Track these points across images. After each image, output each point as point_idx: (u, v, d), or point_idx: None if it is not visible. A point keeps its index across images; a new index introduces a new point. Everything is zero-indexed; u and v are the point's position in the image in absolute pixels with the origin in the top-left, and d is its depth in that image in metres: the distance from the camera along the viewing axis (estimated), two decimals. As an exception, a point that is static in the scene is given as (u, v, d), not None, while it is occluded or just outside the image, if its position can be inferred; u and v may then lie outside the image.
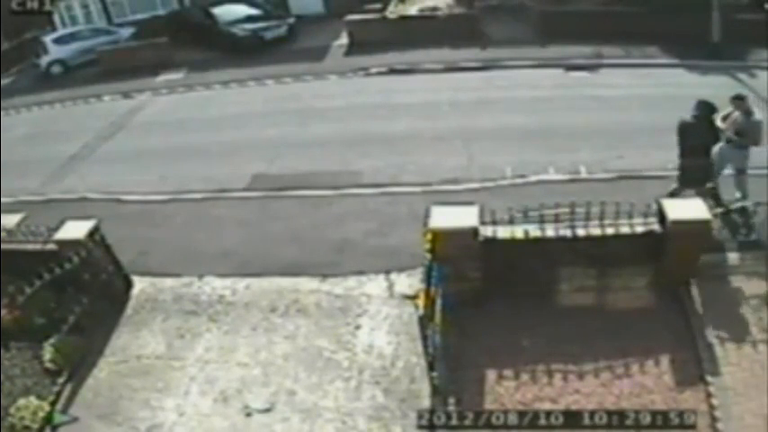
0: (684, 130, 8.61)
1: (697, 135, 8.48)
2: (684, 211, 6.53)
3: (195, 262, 8.91)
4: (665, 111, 12.50)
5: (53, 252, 7.61)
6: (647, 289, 6.91)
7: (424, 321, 6.01)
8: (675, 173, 9.39)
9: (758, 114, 8.34)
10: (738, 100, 8.36)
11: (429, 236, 6.46)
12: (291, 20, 20.78)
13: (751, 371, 6.01)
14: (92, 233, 7.73)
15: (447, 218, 6.71)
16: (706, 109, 8.54)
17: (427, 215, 6.69)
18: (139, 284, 8.52)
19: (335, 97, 15.33)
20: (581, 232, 6.67)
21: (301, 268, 8.45)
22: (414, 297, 7.26)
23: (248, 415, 6.44)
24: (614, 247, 6.66)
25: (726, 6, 15.56)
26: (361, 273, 8.21)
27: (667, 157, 10.34)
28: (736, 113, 8.31)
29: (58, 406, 6.80)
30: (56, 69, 20.64)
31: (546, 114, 12.68)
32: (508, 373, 6.32)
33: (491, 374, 6.34)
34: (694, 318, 6.63)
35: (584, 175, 10.23)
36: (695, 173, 8.57)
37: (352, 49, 18.61)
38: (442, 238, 6.46)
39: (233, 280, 8.40)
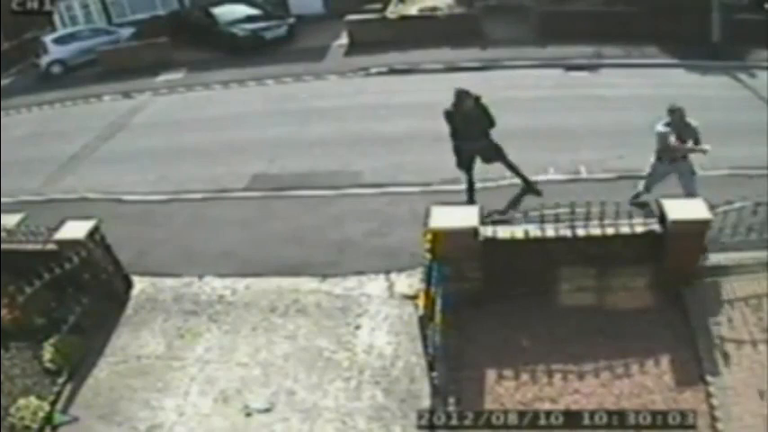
0: (448, 118, 9.25)
1: (460, 121, 9.06)
2: (684, 211, 6.53)
3: (195, 262, 8.91)
4: (665, 111, 12.56)
5: (53, 252, 7.60)
6: (647, 289, 6.91)
7: (424, 321, 6.00)
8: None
9: (659, 127, 8.27)
10: (673, 113, 8.29)
11: (429, 236, 6.46)
12: (291, 20, 20.78)
13: (751, 371, 6.01)
14: (92, 233, 7.72)
15: (447, 218, 6.70)
16: (463, 97, 9.03)
17: (427, 215, 6.69)
18: (139, 284, 8.52)
19: (335, 97, 15.33)
20: (581, 232, 6.67)
21: (301, 268, 8.45)
22: (414, 297, 7.26)
23: (248, 415, 6.44)
24: (614, 246, 6.66)
25: (726, 6, 15.56)
26: (361, 273, 8.21)
27: (667, 157, 10.36)
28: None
29: (58, 406, 6.79)
30: (56, 69, 20.64)
31: (546, 114, 12.67)
32: (508, 373, 6.32)
33: (491, 374, 6.34)
34: (694, 318, 6.63)
35: (584, 175, 10.24)
36: (463, 156, 9.31)
37: (352, 49, 18.62)
38: (442, 238, 6.46)
39: (233, 280, 8.40)
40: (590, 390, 6.09)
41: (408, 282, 7.81)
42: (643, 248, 6.70)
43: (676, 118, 8.28)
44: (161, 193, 11.20)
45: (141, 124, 15.44)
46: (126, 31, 21.97)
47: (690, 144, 8.35)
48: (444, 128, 9.58)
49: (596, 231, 6.66)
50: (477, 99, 9.12)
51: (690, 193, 8.21)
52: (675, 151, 8.28)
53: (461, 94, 9.09)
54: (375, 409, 6.30)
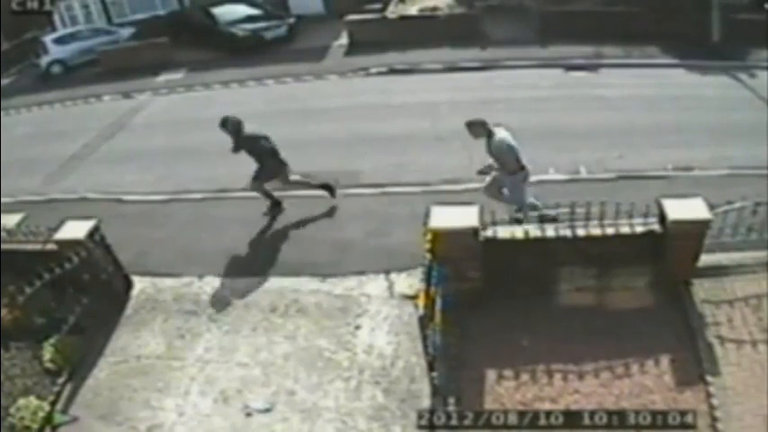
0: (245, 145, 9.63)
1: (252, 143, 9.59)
2: (684, 211, 6.52)
3: (195, 262, 8.91)
4: (665, 111, 12.59)
5: (53, 252, 7.60)
6: (647, 289, 6.91)
7: (424, 321, 6.00)
8: (675, 173, 9.44)
9: (499, 137, 7.99)
10: (472, 126, 8.01)
11: (429, 236, 6.47)
12: (291, 20, 20.80)
13: (751, 371, 6.01)
14: (92, 233, 7.72)
15: (447, 218, 6.70)
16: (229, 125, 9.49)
17: (427, 215, 6.69)
18: (139, 284, 8.51)
19: (335, 97, 15.33)
20: (581, 232, 6.67)
21: (301, 268, 8.45)
22: (414, 297, 7.25)
23: (248, 415, 6.44)
24: (614, 246, 6.66)
25: (726, 6, 15.58)
26: (361, 273, 8.21)
27: (667, 157, 10.38)
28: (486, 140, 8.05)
29: (58, 406, 6.79)
30: (56, 69, 20.66)
31: (546, 114, 12.67)
32: (508, 373, 6.31)
33: (491, 374, 6.34)
34: (694, 318, 6.62)
35: (584, 175, 10.24)
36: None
37: (352, 49, 18.63)
38: (442, 238, 6.46)
39: (233, 280, 8.40)
40: (590, 390, 6.09)
41: (408, 282, 7.81)
42: (643, 248, 6.70)
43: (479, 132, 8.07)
44: (161, 193, 11.19)
45: (141, 124, 15.44)
46: (126, 31, 21.98)
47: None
48: (444, 128, 9.60)
49: (596, 231, 6.65)
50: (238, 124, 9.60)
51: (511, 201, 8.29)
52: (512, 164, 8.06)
53: (227, 123, 9.65)
54: (375, 409, 6.30)
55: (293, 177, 9.91)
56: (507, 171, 8.14)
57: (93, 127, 15.14)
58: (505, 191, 8.44)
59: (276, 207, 10.03)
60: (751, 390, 5.83)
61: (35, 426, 6.44)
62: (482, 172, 8.52)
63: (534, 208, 8.17)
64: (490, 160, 8.27)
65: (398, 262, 8.20)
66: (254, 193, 10.21)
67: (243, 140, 9.57)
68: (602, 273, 6.86)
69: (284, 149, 12.36)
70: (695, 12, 15.61)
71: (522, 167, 8.14)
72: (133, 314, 8.04)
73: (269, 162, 9.69)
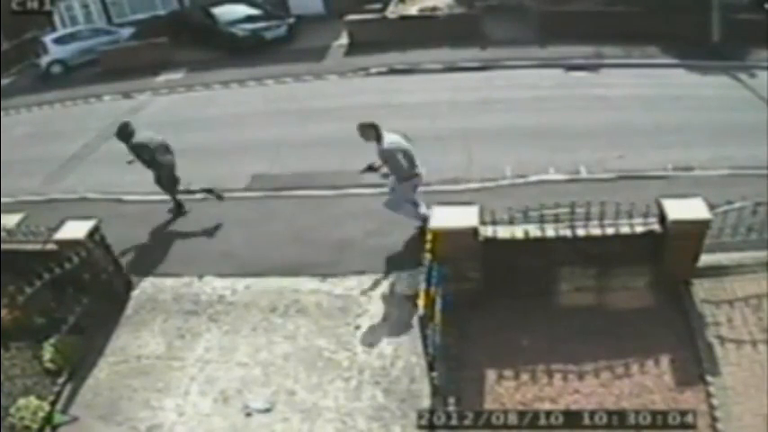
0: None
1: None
2: (684, 211, 6.52)
3: (195, 262, 8.91)
4: (665, 111, 12.59)
5: (53, 252, 7.60)
6: (647, 289, 6.91)
7: (424, 321, 6.00)
8: (675, 173, 9.42)
9: (388, 141, 7.98)
10: (364, 128, 8.01)
11: (429, 236, 6.47)
12: (291, 20, 20.78)
13: (751, 371, 6.01)
14: (92, 233, 7.72)
15: (447, 218, 6.70)
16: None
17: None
18: (139, 284, 8.52)
19: (335, 97, 15.33)
20: (581, 232, 6.66)
21: (301, 268, 8.45)
22: (414, 297, 7.25)
23: (248, 415, 6.44)
24: (614, 246, 6.66)
25: (726, 6, 15.58)
26: (361, 273, 8.21)
27: (667, 157, 10.38)
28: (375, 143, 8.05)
29: (58, 406, 6.80)
30: (56, 69, 20.65)
31: (546, 114, 12.68)
32: (508, 373, 6.32)
33: (491, 374, 6.34)
34: (694, 317, 6.63)
35: (584, 175, 10.23)
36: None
37: (352, 49, 18.62)
38: (442, 238, 6.46)
39: (233, 280, 8.40)
40: (590, 390, 6.09)
41: (408, 282, 7.81)
42: (643, 248, 6.69)
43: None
44: (161, 193, 11.18)
45: (141, 124, 15.30)
46: (126, 31, 21.97)
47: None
48: (444, 128, 9.60)
49: (596, 231, 6.65)
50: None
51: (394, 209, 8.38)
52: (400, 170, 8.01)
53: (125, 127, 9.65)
54: (375, 409, 6.30)
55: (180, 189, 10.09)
56: (398, 177, 8.12)
57: (93, 127, 15.12)
58: (393, 196, 8.40)
59: (179, 209, 10.20)
60: (751, 390, 5.83)
61: (35, 426, 6.44)
62: (364, 171, 8.49)
63: (424, 220, 7.90)
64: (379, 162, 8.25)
65: (398, 262, 8.19)
66: (253, 193, 10.24)
67: (132, 147, 9.63)
68: (602, 273, 6.86)
69: (284, 149, 12.46)
70: (695, 12, 15.60)
71: (416, 174, 8.12)
72: (133, 314, 8.04)
73: (162, 173, 9.75)
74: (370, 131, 7.97)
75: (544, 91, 14.09)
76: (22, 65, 22.02)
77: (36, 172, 12.77)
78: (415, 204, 8.51)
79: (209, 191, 10.14)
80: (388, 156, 7.98)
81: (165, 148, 9.81)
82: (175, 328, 7.70)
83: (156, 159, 9.61)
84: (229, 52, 19.50)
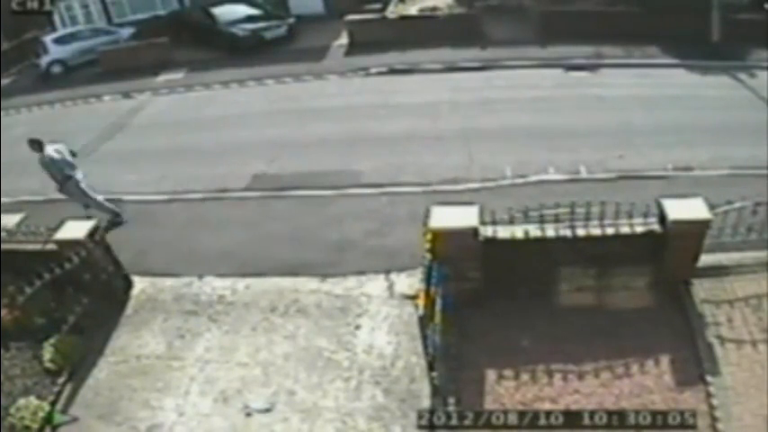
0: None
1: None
2: (684, 211, 6.52)
3: (195, 262, 8.91)
4: (665, 111, 12.59)
5: (53, 252, 7.60)
6: (647, 289, 6.91)
7: (424, 321, 6.00)
8: (675, 173, 9.42)
9: (48, 152, 9.62)
10: (31, 144, 9.62)
11: (429, 236, 6.46)
12: (291, 20, 20.78)
13: (751, 371, 6.01)
14: (92, 233, 7.72)
15: (447, 218, 6.70)
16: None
17: (427, 215, 6.69)
18: (139, 284, 8.51)
19: (335, 97, 15.34)
20: (581, 232, 6.66)
21: (301, 268, 8.45)
22: (414, 297, 7.26)
23: (248, 415, 6.44)
24: (614, 246, 6.66)
25: (726, 6, 15.57)
26: (361, 273, 8.21)
27: (667, 157, 10.38)
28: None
29: (58, 406, 6.80)
30: (56, 69, 20.63)
31: (546, 114, 12.68)
32: (508, 373, 6.32)
33: (491, 374, 6.34)
34: (694, 317, 6.63)
35: (584, 175, 10.24)
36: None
37: (352, 49, 18.62)
38: (442, 238, 6.46)
39: (233, 280, 8.39)
40: (590, 390, 6.09)
41: (408, 282, 7.81)
42: (643, 248, 6.69)
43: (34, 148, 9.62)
44: (161, 193, 11.20)
45: (141, 124, 15.44)
46: (126, 31, 21.96)
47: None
48: (444, 128, 9.61)
49: (596, 231, 6.65)
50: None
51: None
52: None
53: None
54: (375, 409, 6.30)
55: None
56: (56, 181, 9.82)
57: (93, 127, 15.14)
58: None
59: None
60: (751, 390, 5.83)
61: (35, 426, 6.44)
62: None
63: (115, 215, 10.03)
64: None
65: (398, 262, 8.20)
66: (253, 193, 10.23)
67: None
68: (602, 273, 6.85)
69: (284, 149, 12.47)
70: (695, 12, 15.60)
71: (69, 177, 9.74)
72: (133, 314, 8.04)
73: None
74: (35, 145, 9.68)
75: (544, 91, 14.10)
76: (22, 65, 22.00)
77: (36, 172, 12.69)
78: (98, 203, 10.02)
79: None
80: (44, 165, 9.75)
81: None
82: (175, 328, 7.70)
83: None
84: (229, 52, 19.50)
